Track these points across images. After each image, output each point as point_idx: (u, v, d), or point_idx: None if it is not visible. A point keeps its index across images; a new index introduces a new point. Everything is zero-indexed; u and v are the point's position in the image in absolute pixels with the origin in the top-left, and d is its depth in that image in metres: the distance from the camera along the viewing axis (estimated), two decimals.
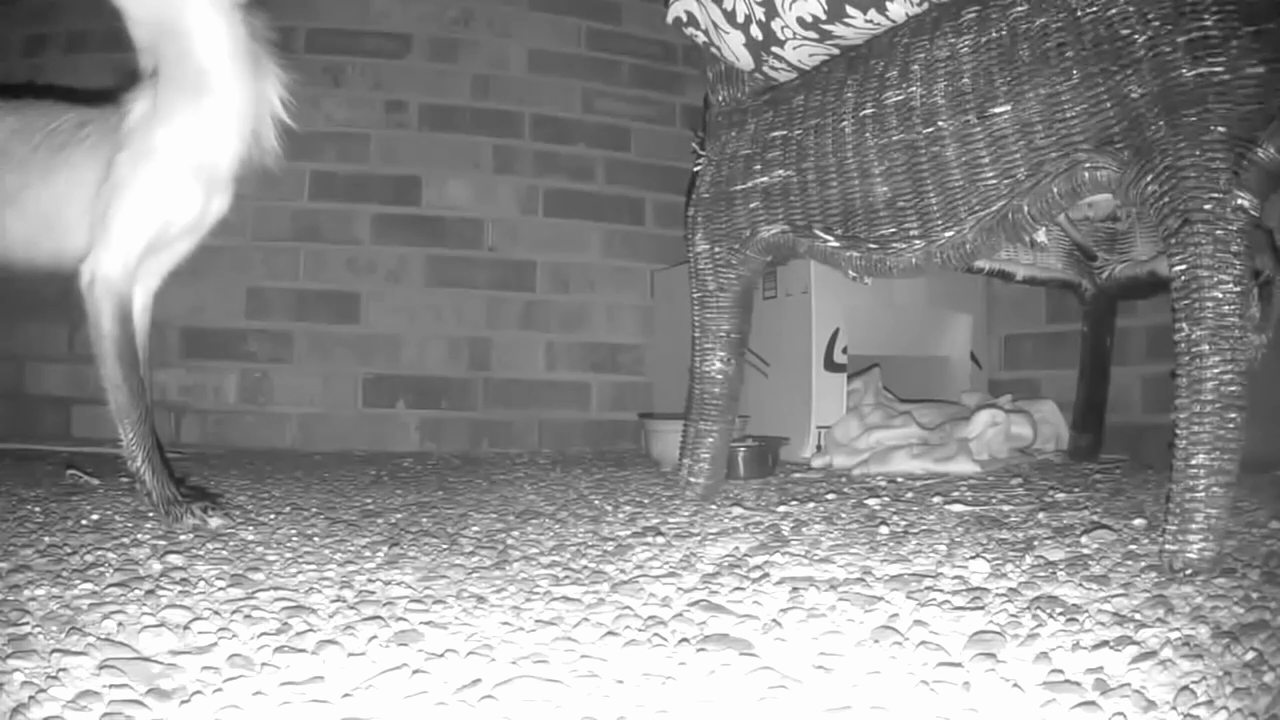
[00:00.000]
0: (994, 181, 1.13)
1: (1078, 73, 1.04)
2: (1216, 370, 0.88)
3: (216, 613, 0.80)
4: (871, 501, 1.44)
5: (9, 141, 1.31)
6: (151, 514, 1.28)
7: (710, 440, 1.52)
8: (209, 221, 1.34)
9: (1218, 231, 0.89)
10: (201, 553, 1.06)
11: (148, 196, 1.27)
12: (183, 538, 1.15)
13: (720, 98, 1.56)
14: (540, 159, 2.80)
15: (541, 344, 2.79)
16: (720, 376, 1.51)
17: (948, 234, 1.19)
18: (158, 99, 1.26)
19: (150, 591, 0.87)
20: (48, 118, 1.32)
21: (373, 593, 0.89)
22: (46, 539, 1.11)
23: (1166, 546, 0.91)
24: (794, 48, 1.38)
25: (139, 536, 1.15)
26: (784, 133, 1.42)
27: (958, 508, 1.35)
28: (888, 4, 1.26)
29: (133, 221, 1.27)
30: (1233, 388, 0.88)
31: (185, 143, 1.27)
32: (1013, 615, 0.78)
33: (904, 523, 1.24)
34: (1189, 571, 0.88)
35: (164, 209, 1.28)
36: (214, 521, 1.25)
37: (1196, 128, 0.91)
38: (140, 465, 1.26)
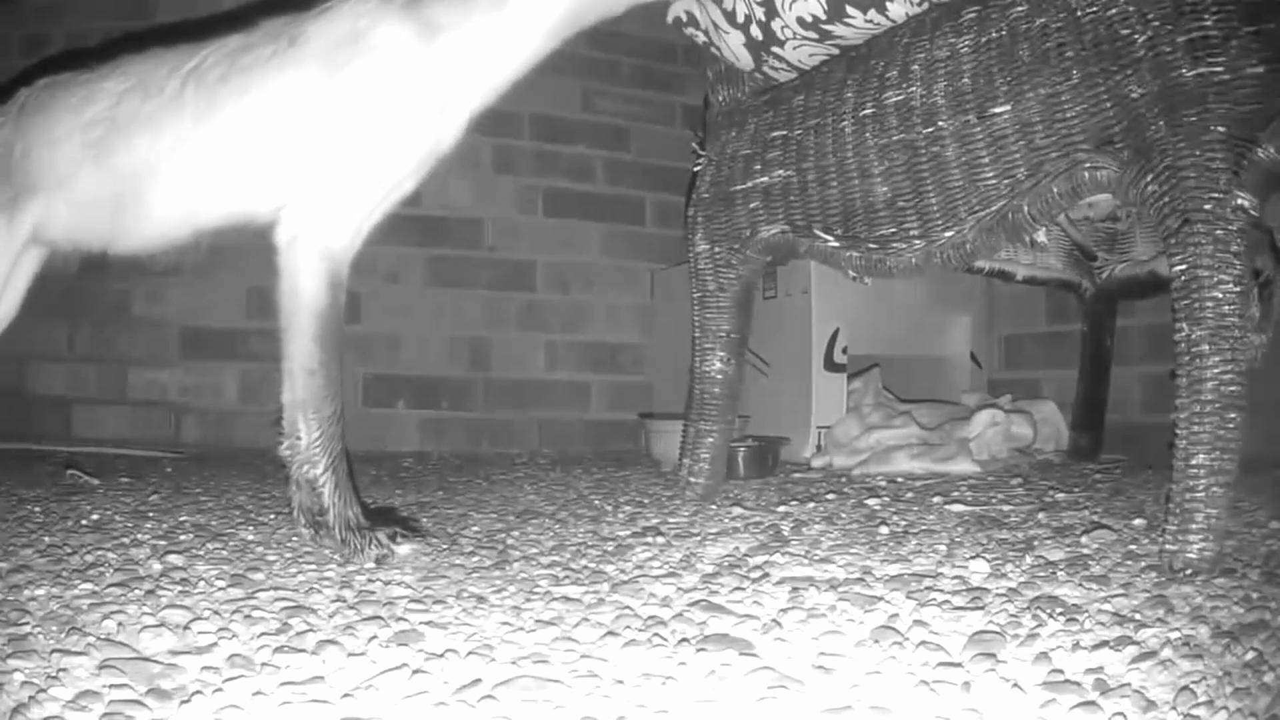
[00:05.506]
0: (994, 181, 1.13)
1: (1078, 73, 1.04)
2: (1216, 370, 0.88)
3: (216, 613, 0.80)
4: (871, 501, 1.43)
5: (117, 108, 1.08)
6: (311, 540, 1.05)
7: (710, 440, 1.52)
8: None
9: (1218, 231, 0.89)
10: (201, 553, 1.06)
11: (392, 143, 1.04)
12: (182, 538, 1.15)
13: (720, 98, 1.55)
14: (540, 159, 2.80)
15: (541, 344, 2.79)
16: (720, 376, 1.51)
17: (948, 234, 1.19)
18: (426, 12, 1.03)
19: (150, 591, 0.87)
20: (169, 64, 1.08)
21: (373, 593, 0.89)
22: (46, 539, 1.11)
23: (1166, 546, 0.91)
24: (794, 48, 1.38)
25: (139, 536, 1.15)
26: (784, 133, 1.42)
27: (958, 508, 1.34)
28: (888, 4, 1.26)
29: (369, 175, 1.04)
30: (1233, 388, 0.88)
31: (457, 68, 1.03)
32: (1013, 615, 0.78)
33: (904, 523, 1.24)
34: (1189, 571, 0.88)
35: (410, 157, 1.06)
36: (403, 549, 1.04)
37: (1196, 128, 0.91)
38: (321, 474, 1.03)
